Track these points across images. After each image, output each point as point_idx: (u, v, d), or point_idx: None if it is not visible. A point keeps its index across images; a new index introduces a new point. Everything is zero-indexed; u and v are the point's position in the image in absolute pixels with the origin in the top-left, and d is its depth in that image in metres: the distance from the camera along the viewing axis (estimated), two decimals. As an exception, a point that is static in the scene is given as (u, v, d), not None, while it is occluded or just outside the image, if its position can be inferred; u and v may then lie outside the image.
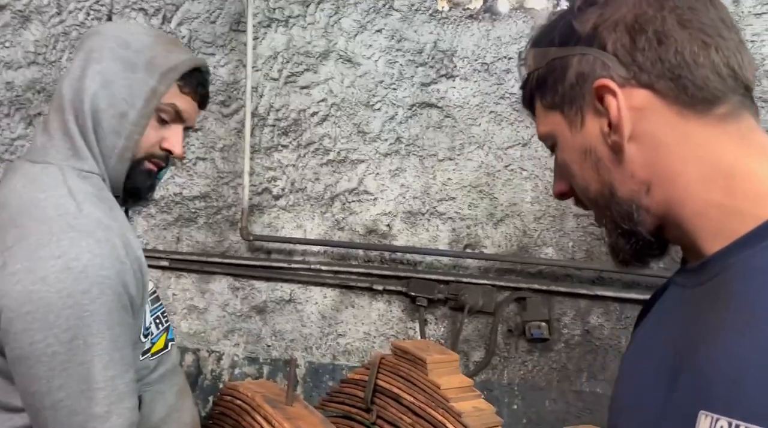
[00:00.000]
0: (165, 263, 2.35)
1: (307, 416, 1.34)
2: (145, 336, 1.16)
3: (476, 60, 2.15)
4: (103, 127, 1.09)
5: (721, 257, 0.61)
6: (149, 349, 1.17)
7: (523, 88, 0.77)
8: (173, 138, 1.17)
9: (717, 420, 0.52)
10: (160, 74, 1.12)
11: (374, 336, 2.24)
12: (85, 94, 1.09)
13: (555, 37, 0.70)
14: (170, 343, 1.24)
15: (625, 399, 0.71)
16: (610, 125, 0.66)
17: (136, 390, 1.07)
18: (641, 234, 0.68)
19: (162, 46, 1.15)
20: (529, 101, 0.76)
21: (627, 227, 0.68)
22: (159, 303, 1.24)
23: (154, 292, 1.23)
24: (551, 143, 0.74)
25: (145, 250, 1.17)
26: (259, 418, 1.34)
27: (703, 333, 0.58)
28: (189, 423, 1.24)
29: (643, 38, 0.64)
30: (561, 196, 0.76)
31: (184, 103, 1.16)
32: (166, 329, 1.24)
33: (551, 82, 0.71)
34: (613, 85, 0.65)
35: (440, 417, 1.38)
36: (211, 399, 2.34)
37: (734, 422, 0.50)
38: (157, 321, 1.21)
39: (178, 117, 1.16)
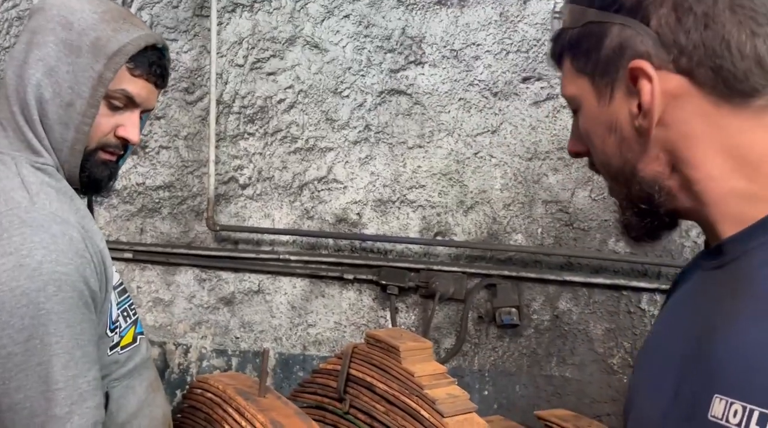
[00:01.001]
0: (128, 255, 2.29)
1: (281, 407, 1.32)
2: (112, 330, 1.12)
3: (445, 46, 2.14)
4: (50, 118, 1.03)
5: (739, 240, 0.61)
6: (118, 343, 1.13)
7: (554, 40, 0.73)
8: (128, 125, 1.09)
9: (731, 404, 0.52)
10: (107, 58, 1.04)
11: (345, 326, 2.22)
12: (29, 83, 1.02)
13: None
14: (139, 336, 1.20)
15: (642, 380, 0.71)
16: (639, 107, 0.63)
17: (101, 388, 1.03)
18: (659, 215, 0.66)
19: (108, 24, 1.05)
20: (558, 56, 0.73)
21: (646, 207, 0.66)
22: (126, 296, 1.20)
23: (121, 284, 1.19)
24: (575, 107, 0.72)
25: (107, 242, 1.13)
26: (231, 411, 1.32)
27: (719, 318, 0.58)
28: (160, 418, 1.20)
29: (690, 19, 0.60)
30: (576, 155, 0.74)
31: (137, 87, 1.08)
32: (135, 322, 1.20)
33: (585, 47, 0.67)
34: (650, 69, 0.61)
35: (414, 405, 1.38)
36: (178, 393, 2.30)
37: (748, 406, 0.51)
38: (125, 313, 1.17)
39: (131, 102, 1.09)
